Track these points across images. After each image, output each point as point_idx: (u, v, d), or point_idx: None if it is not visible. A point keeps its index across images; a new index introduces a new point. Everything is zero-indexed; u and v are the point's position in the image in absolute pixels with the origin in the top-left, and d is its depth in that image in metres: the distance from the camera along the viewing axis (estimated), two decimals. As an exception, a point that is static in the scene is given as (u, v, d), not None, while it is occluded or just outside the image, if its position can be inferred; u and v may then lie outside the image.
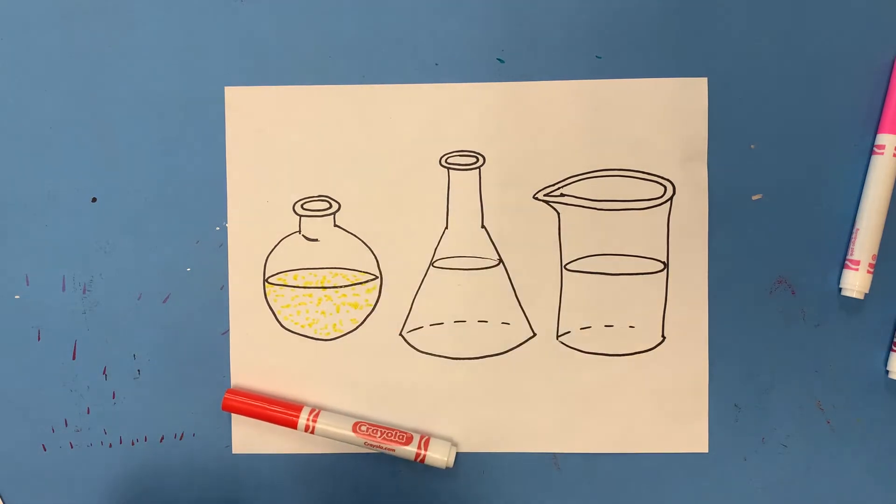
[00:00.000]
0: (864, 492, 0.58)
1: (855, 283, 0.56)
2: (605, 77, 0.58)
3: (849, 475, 0.58)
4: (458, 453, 0.58)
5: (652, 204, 0.58)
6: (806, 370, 0.58)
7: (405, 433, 0.57)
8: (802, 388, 0.58)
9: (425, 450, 0.56)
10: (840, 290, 0.57)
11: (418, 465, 0.58)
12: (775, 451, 0.58)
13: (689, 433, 0.58)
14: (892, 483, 0.58)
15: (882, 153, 0.56)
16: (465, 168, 0.58)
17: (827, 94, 0.57)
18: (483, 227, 0.58)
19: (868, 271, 0.56)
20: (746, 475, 0.58)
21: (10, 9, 0.59)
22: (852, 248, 0.56)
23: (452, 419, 0.58)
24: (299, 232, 0.59)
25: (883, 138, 0.56)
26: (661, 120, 0.58)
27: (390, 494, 0.59)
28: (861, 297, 0.56)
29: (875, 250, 0.56)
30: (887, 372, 0.57)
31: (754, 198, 0.58)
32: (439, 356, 0.58)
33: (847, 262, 0.57)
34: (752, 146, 0.57)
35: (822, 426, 0.58)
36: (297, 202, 0.58)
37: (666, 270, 0.58)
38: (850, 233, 0.57)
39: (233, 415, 0.59)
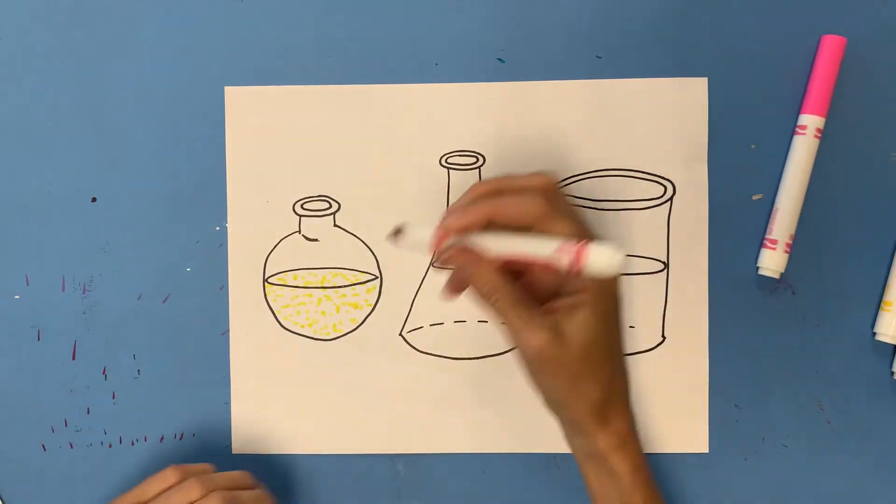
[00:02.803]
0: (864, 492, 0.58)
1: (771, 262, 0.56)
2: (605, 77, 0.58)
3: (849, 475, 0.58)
4: (458, 454, 0.58)
5: (652, 204, 0.58)
6: (806, 370, 0.58)
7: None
8: (802, 388, 0.58)
9: (582, 256, 0.45)
10: (758, 268, 0.57)
11: (420, 465, 0.58)
12: (775, 451, 0.58)
13: (690, 433, 0.58)
14: (892, 483, 0.58)
15: (804, 133, 0.56)
16: (466, 168, 0.58)
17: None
18: (483, 227, 0.58)
19: (785, 251, 0.56)
20: (746, 475, 0.58)
21: (10, 9, 0.59)
22: (771, 228, 0.57)
23: (453, 420, 0.58)
24: (299, 232, 0.59)
25: (805, 119, 0.56)
26: (661, 120, 0.58)
27: (390, 495, 0.59)
28: (777, 276, 0.56)
29: (793, 230, 0.56)
30: (892, 373, 0.57)
31: (754, 198, 0.58)
32: (439, 356, 0.58)
33: (765, 242, 0.57)
34: (753, 146, 0.57)
35: (822, 426, 0.58)
36: (296, 202, 0.58)
37: (666, 270, 0.58)
38: (770, 213, 0.57)
39: (233, 414, 0.59)
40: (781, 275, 0.57)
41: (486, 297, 0.48)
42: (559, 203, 0.48)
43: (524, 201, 0.47)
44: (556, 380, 0.48)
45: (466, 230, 0.48)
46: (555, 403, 0.50)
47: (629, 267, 0.58)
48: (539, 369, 0.48)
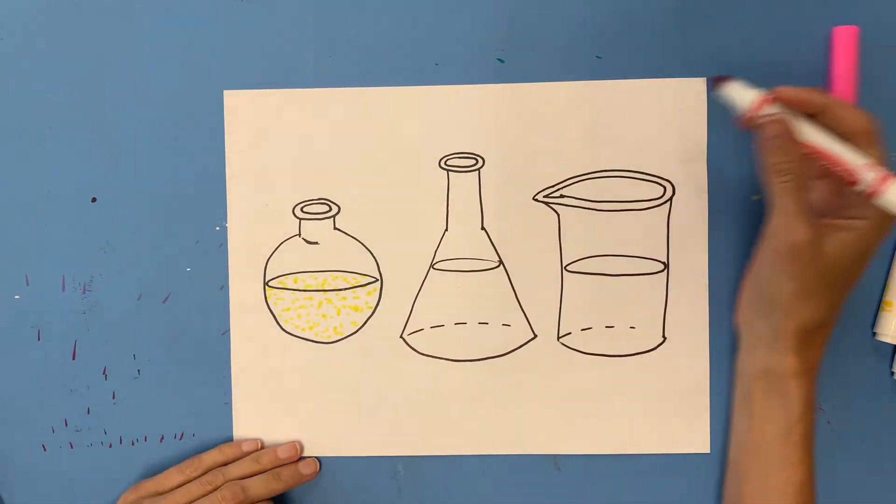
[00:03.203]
0: (864, 492, 0.58)
1: None
2: (605, 77, 0.58)
3: (849, 475, 0.58)
4: (458, 456, 0.58)
5: (652, 204, 0.58)
6: (806, 370, 0.58)
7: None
8: (802, 388, 0.58)
9: (888, 182, 0.49)
10: None
11: (420, 467, 0.58)
12: (775, 451, 0.58)
13: (691, 433, 0.58)
14: (892, 483, 0.58)
15: None
16: (465, 170, 0.58)
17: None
18: (483, 228, 0.58)
19: None
20: (746, 475, 0.58)
21: (10, 9, 0.59)
22: None
23: (453, 421, 0.58)
24: (299, 235, 0.58)
25: None
26: (661, 120, 0.57)
27: (389, 495, 0.59)
28: None
29: None
30: (893, 373, 0.57)
31: (754, 198, 0.58)
32: (440, 358, 0.58)
33: None
34: (753, 146, 0.57)
35: (823, 426, 0.58)
36: (296, 205, 0.58)
37: (666, 271, 0.58)
38: None
39: (233, 414, 0.59)
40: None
41: (780, 172, 0.49)
42: (878, 132, 0.50)
43: (858, 112, 0.50)
44: (791, 282, 0.49)
45: (793, 105, 0.50)
46: (773, 305, 0.51)
47: (629, 268, 0.58)
48: (783, 264, 0.49)
